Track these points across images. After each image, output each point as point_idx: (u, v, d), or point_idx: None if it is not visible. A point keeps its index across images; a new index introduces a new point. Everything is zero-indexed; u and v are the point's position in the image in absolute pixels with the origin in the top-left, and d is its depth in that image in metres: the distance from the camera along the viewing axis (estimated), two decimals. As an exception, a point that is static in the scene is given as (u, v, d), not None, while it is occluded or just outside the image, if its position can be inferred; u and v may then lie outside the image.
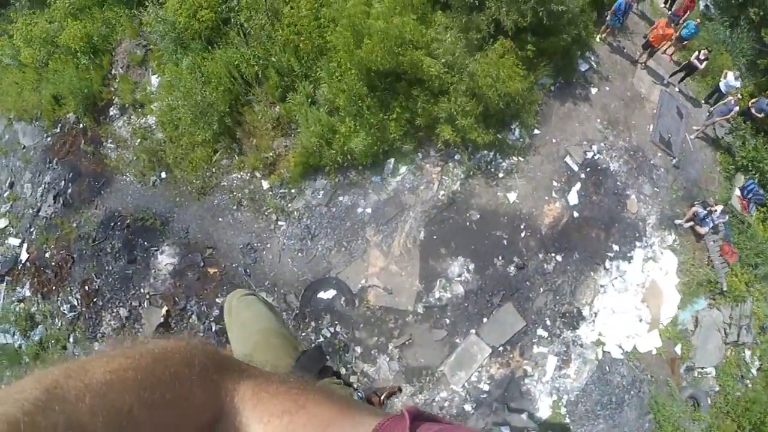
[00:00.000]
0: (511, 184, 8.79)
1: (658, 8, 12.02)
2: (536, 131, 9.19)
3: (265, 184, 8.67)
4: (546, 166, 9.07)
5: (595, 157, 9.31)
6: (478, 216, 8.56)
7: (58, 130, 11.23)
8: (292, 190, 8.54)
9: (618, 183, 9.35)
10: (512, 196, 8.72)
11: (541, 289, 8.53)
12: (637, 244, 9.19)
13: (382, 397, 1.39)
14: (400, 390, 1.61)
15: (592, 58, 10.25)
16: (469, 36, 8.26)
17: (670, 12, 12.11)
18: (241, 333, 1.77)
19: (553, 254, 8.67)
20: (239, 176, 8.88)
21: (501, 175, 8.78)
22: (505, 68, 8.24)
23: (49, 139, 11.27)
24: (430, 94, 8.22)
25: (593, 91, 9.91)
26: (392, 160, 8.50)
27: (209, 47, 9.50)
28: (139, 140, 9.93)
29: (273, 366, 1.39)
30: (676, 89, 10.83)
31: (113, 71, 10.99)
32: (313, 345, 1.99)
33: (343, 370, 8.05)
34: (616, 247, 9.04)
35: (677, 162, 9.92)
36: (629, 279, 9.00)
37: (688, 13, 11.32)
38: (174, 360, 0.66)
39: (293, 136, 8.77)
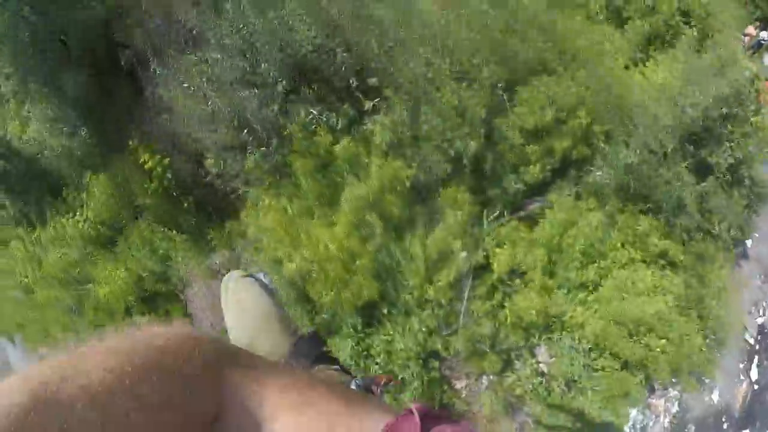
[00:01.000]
0: (711, 384, 8.75)
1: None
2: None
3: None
4: (732, 349, 9.08)
5: (763, 321, 9.52)
6: (694, 428, 8.56)
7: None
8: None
9: (773, 334, 9.82)
10: (715, 396, 8.76)
11: (738, 469, 9.20)
12: (787, 380, 10.10)
13: (380, 386, 1.38)
14: (396, 378, 1.72)
15: (737, 199, 9.81)
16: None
17: None
18: (238, 316, 1.69)
19: None
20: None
21: (706, 380, 8.65)
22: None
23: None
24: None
25: (749, 243, 9.69)
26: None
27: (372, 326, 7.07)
28: None
29: (271, 350, 1.40)
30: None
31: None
32: (310, 330, 1.76)
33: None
34: (775, 395, 9.85)
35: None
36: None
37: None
38: (174, 354, 0.61)
39: None
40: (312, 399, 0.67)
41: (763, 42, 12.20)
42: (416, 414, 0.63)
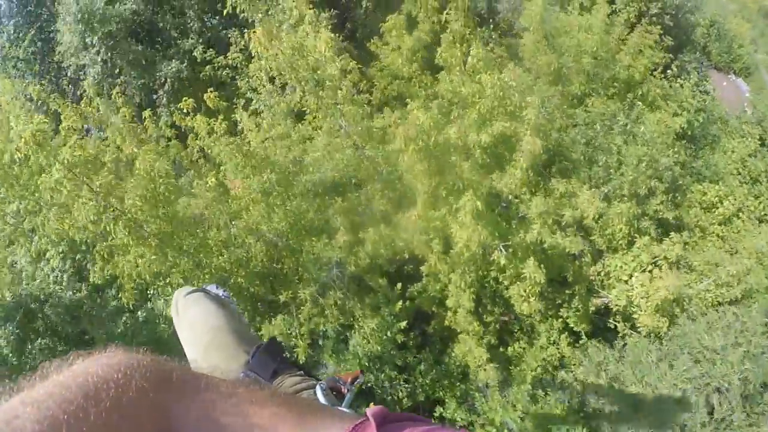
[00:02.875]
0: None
1: None
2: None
3: None
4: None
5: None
6: None
7: None
8: None
9: None
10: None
11: None
12: None
13: (346, 385, 1.36)
14: (362, 373, 1.56)
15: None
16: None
17: None
18: (190, 334, 1.64)
19: None
20: None
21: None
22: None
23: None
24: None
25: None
26: None
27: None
28: None
29: (227, 366, 1.37)
30: None
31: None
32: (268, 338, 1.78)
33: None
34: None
35: None
36: None
37: None
38: (108, 392, 0.57)
39: None
40: (263, 421, 0.64)
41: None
42: (372, 420, 0.62)
